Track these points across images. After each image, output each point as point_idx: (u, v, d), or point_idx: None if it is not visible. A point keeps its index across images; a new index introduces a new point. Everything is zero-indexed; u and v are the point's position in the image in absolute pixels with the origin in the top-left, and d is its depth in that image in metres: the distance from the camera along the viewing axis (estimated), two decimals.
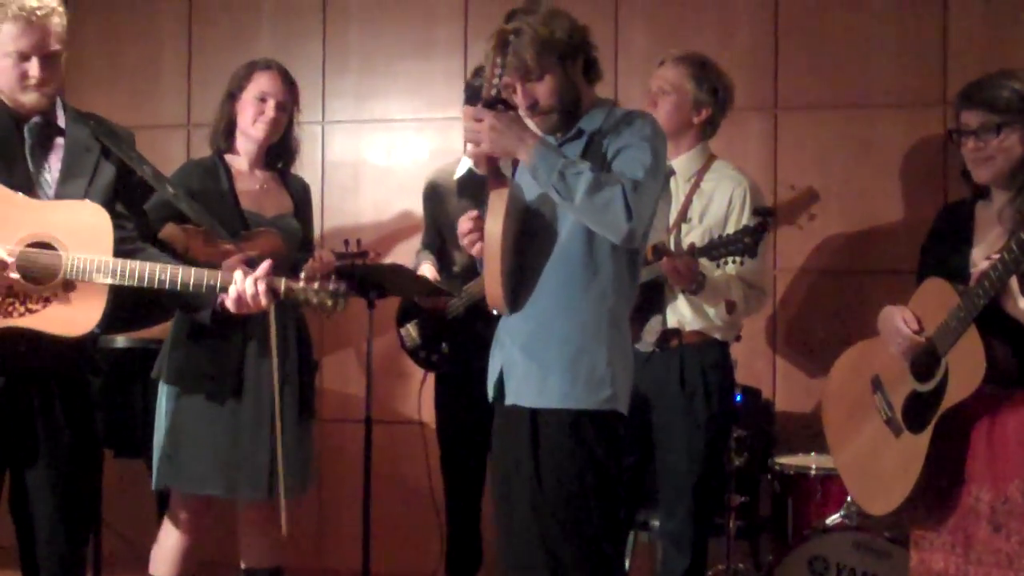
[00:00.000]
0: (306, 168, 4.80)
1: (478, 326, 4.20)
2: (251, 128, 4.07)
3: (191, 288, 3.15)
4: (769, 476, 4.41)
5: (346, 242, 4.19)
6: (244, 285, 3.17)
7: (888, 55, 4.94)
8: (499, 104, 3.09)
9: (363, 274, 4.18)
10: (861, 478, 3.49)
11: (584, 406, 3.14)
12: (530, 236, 3.21)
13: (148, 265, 3.12)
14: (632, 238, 3.05)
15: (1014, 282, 2.90)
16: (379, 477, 4.57)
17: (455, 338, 4.45)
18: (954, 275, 3.14)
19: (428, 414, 4.71)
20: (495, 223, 3.07)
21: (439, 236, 4.62)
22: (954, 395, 3.07)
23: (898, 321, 3.25)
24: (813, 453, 4.41)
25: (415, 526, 5.20)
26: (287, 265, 3.93)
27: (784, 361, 5.02)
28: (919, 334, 3.21)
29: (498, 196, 3.10)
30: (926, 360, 3.21)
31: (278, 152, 4.19)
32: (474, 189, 4.43)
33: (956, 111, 3.22)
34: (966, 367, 3.03)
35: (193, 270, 3.15)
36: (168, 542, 4.05)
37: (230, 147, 4.14)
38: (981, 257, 3.06)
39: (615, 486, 3.22)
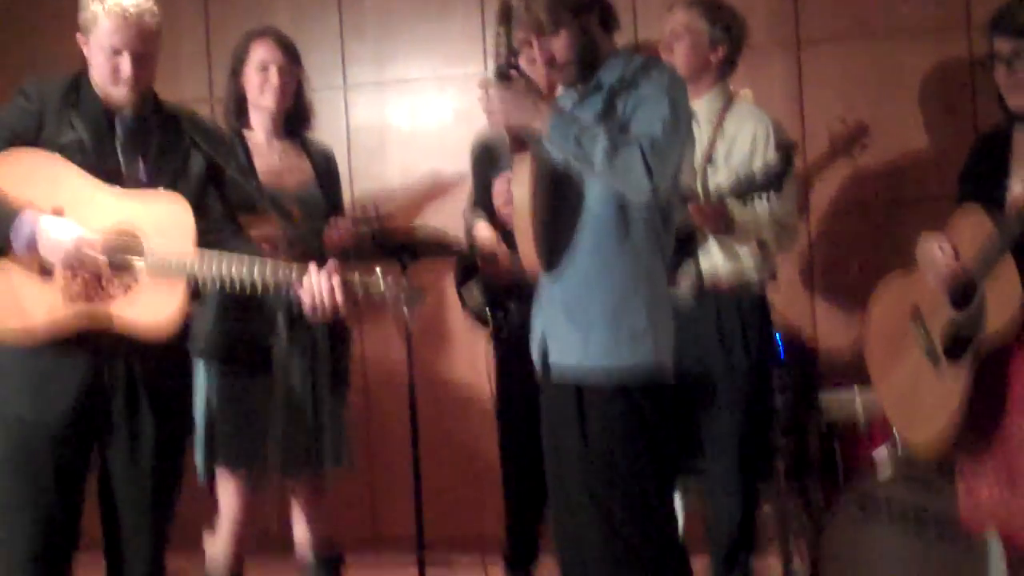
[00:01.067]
0: (330, 134, 4.81)
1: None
2: (260, 99, 4.08)
3: (268, 279, 3.13)
4: (815, 414, 4.39)
5: (363, 207, 4.19)
6: (315, 276, 3.11)
7: None
8: (511, 72, 3.07)
9: (395, 239, 4.17)
10: (903, 409, 3.49)
11: (628, 362, 3.13)
12: (562, 197, 3.19)
13: (225, 256, 3.13)
14: (656, 194, 3.03)
15: None
16: (428, 441, 4.57)
17: (521, 298, 4.41)
18: (991, 204, 3.11)
19: (471, 374, 4.69)
20: (521, 188, 3.08)
21: (490, 194, 4.59)
22: (992, 322, 3.05)
23: (935, 250, 3.23)
24: (857, 386, 4.38)
25: (467, 488, 5.23)
26: (312, 236, 3.94)
27: (823, 299, 4.99)
28: (956, 261, 3.18)
29: (522, 161, 3.10)
30: (964, 288, 3.19)
31: (294, 118, 4.19)
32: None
33: (988, 37, 3.17)
34: (1003, 295, 3.01)
35: (269, 262, 3.15)
36: (220, 521, 4.08)
37: (245, 123, 4.14)
38: (1018, 185, 3.03)
39: (665, 451, 3.21)
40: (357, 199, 4.95)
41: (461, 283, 4.58)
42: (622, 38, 3.37)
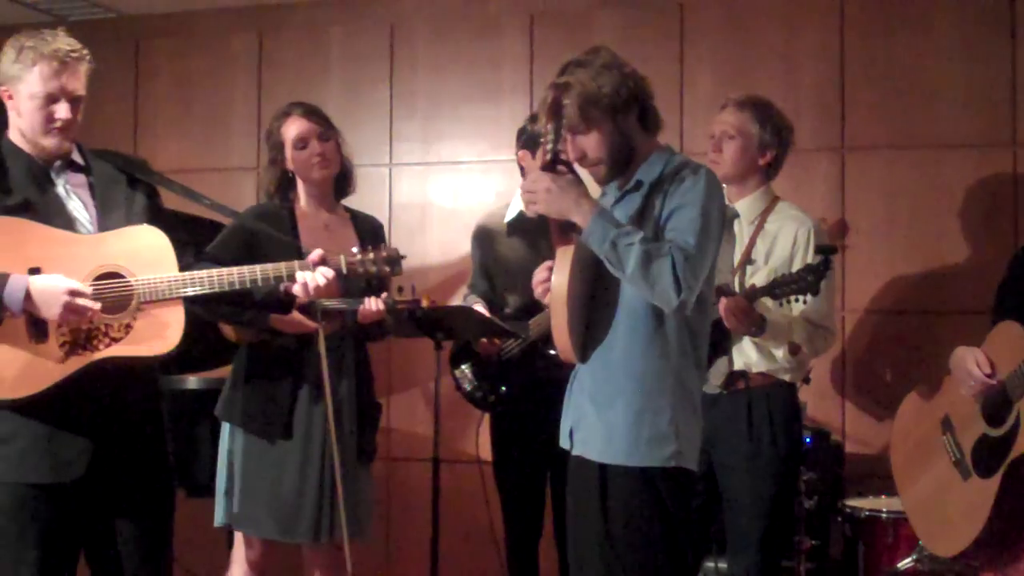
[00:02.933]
0: (374, 209, 4.85)
1: (536, 366, 4.23)
2: (310, 173, 4.11)
3: (260, 283, 3.25)
4: (839, 519, 4.37)
5: (400, 289, 4.23)
6: (307, 273, 3.32)
7: (956, 95, 4.92)
8: (557, 166, 3.11)
9: (430, 316, 4.20)
10: (928, 519, 3.46)
11: (648, 463, 3.13)
12: (601, 288, 3.21)
13: (215, 271, 3.21)
14: (683, 308, 3.04)
15: None
16: (446, 516, 4.57)
17: (513, 379, 4.45)
18: None
19: (486, 452, 4.71)
20: (560, 278, 3.09)
21: (488, 279, 4.64)
22: None
23: (970, 363, 3.22)
24: (884, 496, 4.36)
25: (480, 566, 5.20)
26: (348, 309, 3.98)
27: (853, 403, 4.98)
28: (992, 377, 3.18)
29: (563, 253, 3.12)
30: (998, 404, 3.18)
31: (340, 179, 4.24)
32: (525, 230, 4.46)
33: None
34: None
35: (258, 266, 3.25)
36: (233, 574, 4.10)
37: (293, 200, 4.18)
38: None
39: (684, 538, 3.20)
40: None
41: (455, 365, 4.62)
42: (669, 133, 3.39)
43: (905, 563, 3.97)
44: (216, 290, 3.19)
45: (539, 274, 3.25)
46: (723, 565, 4.30)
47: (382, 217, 5.36)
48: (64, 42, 3.19)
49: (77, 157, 3.31)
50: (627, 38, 4.95)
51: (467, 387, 4.56)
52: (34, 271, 3.10)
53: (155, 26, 5.95)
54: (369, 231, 4.27)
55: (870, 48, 5.04)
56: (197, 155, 5.57)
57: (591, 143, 3.17)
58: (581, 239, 3.09)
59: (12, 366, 3.09)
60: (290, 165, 4.15)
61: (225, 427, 4.06)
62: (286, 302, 3.43)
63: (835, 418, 4.96)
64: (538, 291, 3.27)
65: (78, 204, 3.26)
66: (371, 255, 3.30)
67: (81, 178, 3.29)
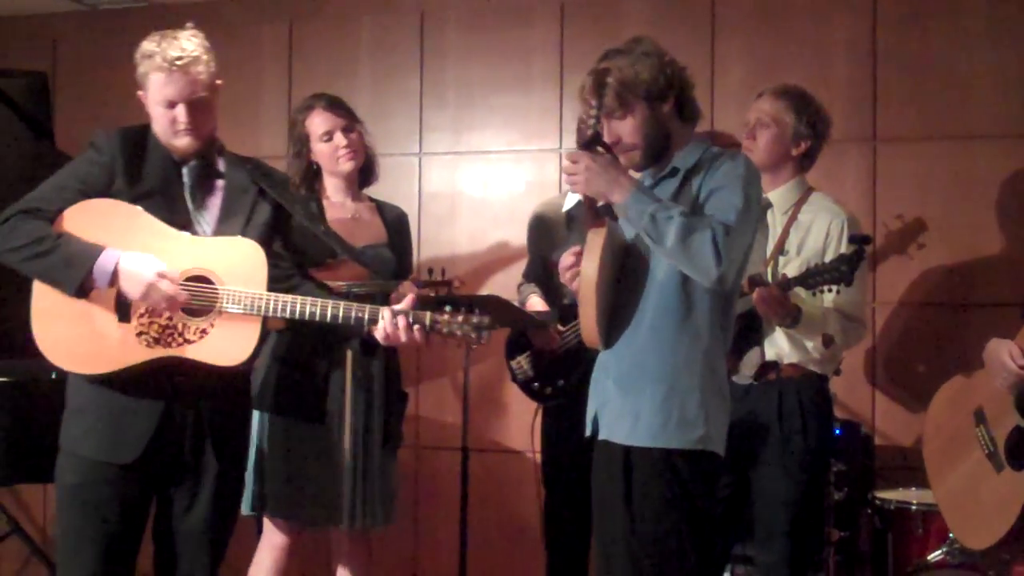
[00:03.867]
0: (404, 199, 4.89)
1: (592, 359, 4.22)
2: (337, 166, 4.15)
3: (340, 321, 3.25)
4: (869, 511, 4.36)
5: (430, 271, 4.23)
6: (390, 322, 3.26)
7: (989, 85, 4.88)
8: (596, 146, 3.12)
9: (460, 304, 4.21)
10: (960, 511, 3.46)
11: (676, 445, 3.15)
12: (628, 273, 3.23)
13: (299, 299, 3.24)
14: (722, 282, 3.05)
15: None
16: (475, 506, 4.59)
17: (571, 371, 4.45)
18: None
19: (524, 443, 4.71)
20: (591, 262, 3.10)
21: (544, 269, 4.63)
22: None
23: (1004, 355, 3.21)
24: (914, 488, 4.35)
25: (511, 554, 5.22)
26: (378, 292, 4.00)
27: (884, 395, 4.96)
28: None
29: (595, 235, 3.13)
30: None
31: (365, 170, 4.26)
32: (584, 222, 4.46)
33: None
34: None
35: (342, 304, 3.26)
36: (263, 565, 4.13)
37: (319, 191, 4.21)
38: None
39: (708, 523, 3.22)
40: (424, 263, 5.02)
41: (511, 356, 4.61)
42: (699, 123, 3.39)
43: (935, 555, 3.96)
44: (295, 318, 3.24)
45: (566, 259, 3.26)
46: (752, 555, 4.30)
47: (412, 206, 5.42)
48: (176, 47, 3.26)
49: (219, 160, 3.40)
50: (657, 28, 4.93)
51: (522, 378, 4.55)
52: None
53: (185, 15, 5.91)
54: (395, 221, 4.30)
55: (902, 39, 5.01)
56: (227, 144, 5.50)
57: (627, 128, 3.20)
58: (619, 214, 3.11)
59: (90, 342, 3.19)
60: (315, 157, 4.18)
61: (256, 415, 4.08)
62: (366, 341, 3.45)
63: (866, 410, 4.95)
64: (565, 277, 3.28)
65: (203, 205, 3.33)
66: (460, 318, 3.29)
67: (214, 181, 3.36)
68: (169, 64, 3.24)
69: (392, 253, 4.25)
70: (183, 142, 3.29)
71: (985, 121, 4.88)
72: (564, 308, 4.48)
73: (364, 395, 4.02)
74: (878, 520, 4.29)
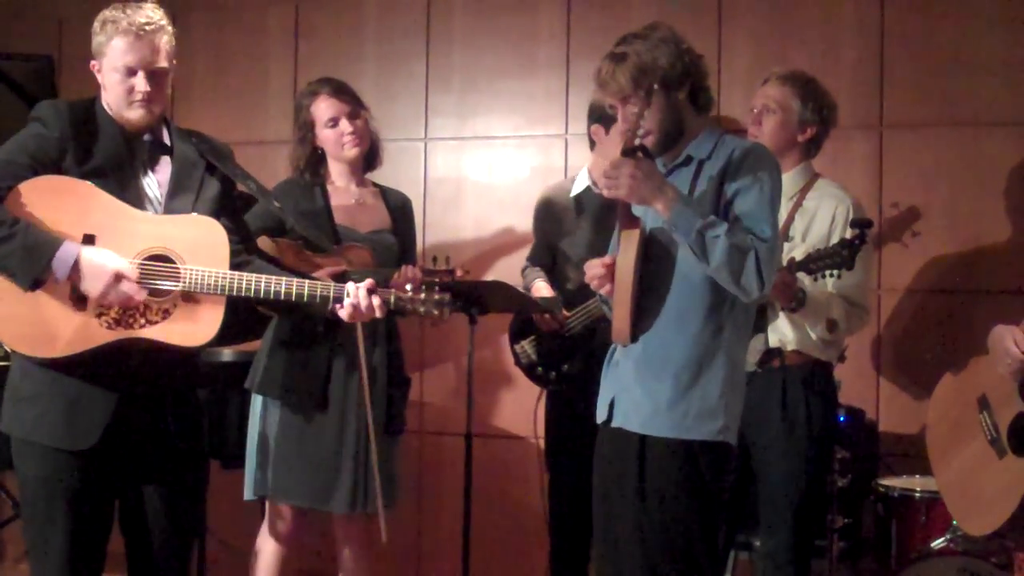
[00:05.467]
0: (408, 184, 4.88)
1: (597, 344, 4.21)
2: (342, 152, 4.15)
3: (305, 299, 3.21)
4: (873, 498, 4.36)
5: (434, 259, 4.24)
6: (358, 297, 3.23)
7: (996, 72, 4.86)
8: (638, 152, 3.11)
9: (464, 290, 4.21)
10: (962, 498, 3.45)
11: (695, 437, 3.16)
12: (652, 266, 3.23)
13: (264, 278, 3.18)
14: (761, 299, 3.12)
15: None
16: (478, 491, 4.59)
17: (575, 356, 4.44)
18: None
19: (526, 429, 4.71)
20: (627, 263, 3.12)
21: (550, 253, 4.62)
22: None
23: (1008, 342, 3.21)
24: (918, 475, 4.34)
25: (514, 540, 5.22)
26: (381, 278, 4.00)
27: (888, 382, 4.95)
28: None
29: (629, 236, 3.14)
30: None
31: (369, 155, 4.26)
32: (592, 207, 4.44)
33: None
34: None
35: (307, 282, 3.22)
36: (266, 550, 4.15)
37: (324, 176, 4.21)
38: None
39: (719, 511, 3.24)
40: (429, 249, 5.02)
41: (515, 340, 4.61)
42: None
43: (938, 542, 3.96)
44: (260, 297, 3.19)
45: (594, 269, 3.26)
46: (755, 542, 4.30)
47: (416, 191, 5.40)
48: (143, 15, 3.21)
49: (166, 135, 3.34)
50: (664, 13, 4.90)
51: (526, 362, 4.56)
52: (88, 238, 3.12)
53: None
54: (399, 207, 4.31)
55: (910, 24, 4.98)
56: (233, 128, 5.55)
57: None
58: (666, 227, 3.11)
59: (48, 325, 3.09)
60: (320, 143, 4.18)
61: (256, 400, 4.09)
62: (330, 321, 3.42)
63: (870, 397, 4.94)
64: (593, 285, 3.29)
65: (152, 181, 3.27)
66: (422, 295, 3.28)
67: (162, 157, 3.31)
68: (137, 29, 3.18)
69: (396, 239, 4.25)
70: (136, 114, 3.22)
71: (993, 108, 4.86)
72: (569, 293, 4.48)
73: (368, 380, 4.03)
74: (882, 507, 4.30)
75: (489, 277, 5.27)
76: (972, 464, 3.37)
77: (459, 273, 4.21)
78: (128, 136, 3.26)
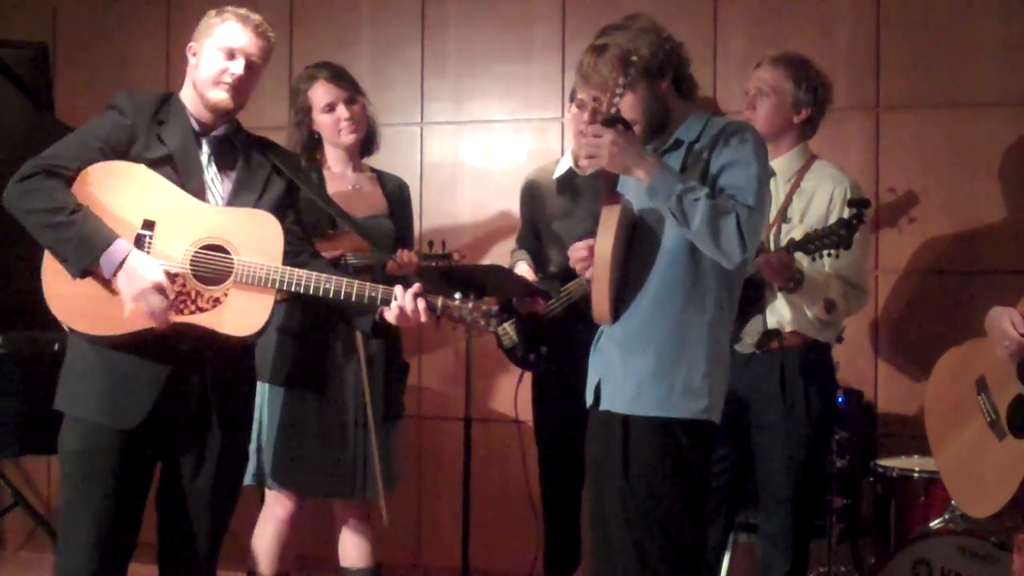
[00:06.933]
0: (405, 169, 4.87)
1: (577, 327, 4.21)
2: (339, 138, 4.15)
3: (353, 299, 3.26)
4: (871, 478, 4.37)
5: (430, 243, 4.24)
6: (405, 300, 3.26)
7: (993, 53, 4.85)
8: (618, 123, 3.11)
9: (461, 274, 4.21)
10: (962, 479, 3.46)
11: (678, 415, 3.17)
12: (636, 245, 3.23)
13: (314, 275, 3.25)
14: (744, 265, 3.10)
15: None
16: (477, 475, 4.60)
17: (553, 338, 4.46)
18: None
19: (524, 413, 4.72)
20: (606, 240, 3.11)
21: (535, 235, 4.63)
22: None
23: (1006, 323, 3.21)
24: (916, 456, 4.36)
25: (513, 524, 5.23)
26: (377, 262, 4.01)
27: (887, 362, 4.96)
28: None
29: (610, 212, 3.13)
30: None
31: (366, 141, 4.26)
32: (574, 188, 4.44)
33: None
34: None
35: (356, 282, 3.27)
36: (265, 535, 4.16)
37: (320, 161, 4.21)
38: None
39: (702, 490, 3.25)
40: (426, 233, 5.02)
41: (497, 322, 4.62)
42: (702, 94, 3.38)
43: (937, 523, 3.97)
44: (308, 293, 3.24)
45: (578, 252, 3.27)
46: (755, 522, 4.31)
47: (413, 176, 5.40)
48: (258, 17, 3.39)
49: (236, 136, 3.43)
50: None
51: (507, 344, 4.56)
52: (148, 224, 3.21)
53: None
54: (396, 192, 4.31)
55: (906, 5, 4.97)
56: None
57: (626, 104, 3.18)
58: (647, 194, 3.10)
59: (103, 305, 3.18)
60: (317, 128, 4.18)
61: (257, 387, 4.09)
62: (378, 323, 3.44)
63: (868, 378, 4.95)
64: (578, 268, 3.29)
65: (216, 177, 3.35)
66: (470, 304, 3.29)
67: (230, 155, 3.39)
68: (247, 16, 3.35)
69: (392, 223, 4.25)
70: (221, 96, 3.32)
71: (990, 89, 4.86)
72: (552, 275, 4.48)
73: (366, 366, 4.03)
74: (880, 488, 4.31)
75: (486, 261, 5.28)
76: (972, 446, 3.38)
77: (456, 257, 4.21)
78: (198, 132, 3.35)
